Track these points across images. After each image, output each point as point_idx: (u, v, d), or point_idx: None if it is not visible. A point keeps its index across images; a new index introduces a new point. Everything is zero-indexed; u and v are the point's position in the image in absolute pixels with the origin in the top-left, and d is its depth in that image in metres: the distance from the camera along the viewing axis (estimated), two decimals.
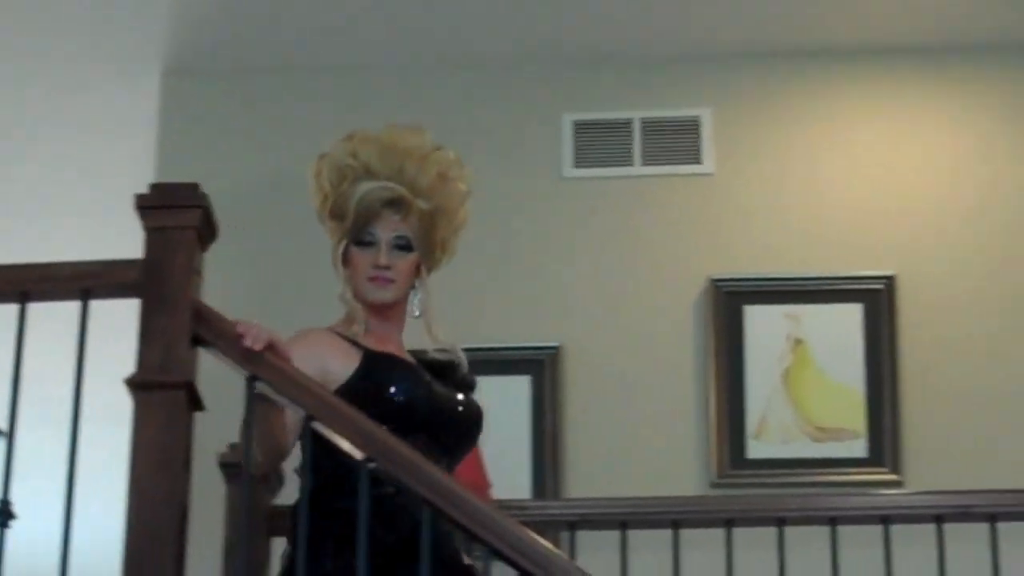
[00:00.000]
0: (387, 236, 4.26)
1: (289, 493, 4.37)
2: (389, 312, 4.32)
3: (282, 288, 6.52)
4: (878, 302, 6.42)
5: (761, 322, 6.45)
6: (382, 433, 3.78)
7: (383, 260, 4.24)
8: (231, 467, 4.58)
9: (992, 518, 4.92)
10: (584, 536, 5.10)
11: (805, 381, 6.39)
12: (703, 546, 5.03)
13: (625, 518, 5.08)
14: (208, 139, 6.81)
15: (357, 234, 4.27)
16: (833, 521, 4.96)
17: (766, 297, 6.47)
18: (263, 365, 3.96)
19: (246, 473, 4.16)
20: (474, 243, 6.47)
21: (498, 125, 6.80)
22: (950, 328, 6.43)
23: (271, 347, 3.81)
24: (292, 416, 3.92)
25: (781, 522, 4.97)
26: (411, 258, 4.29)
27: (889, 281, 6.43)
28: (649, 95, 6.77)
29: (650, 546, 5.03)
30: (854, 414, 6.31)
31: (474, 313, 6.45)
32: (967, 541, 4.97)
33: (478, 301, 6.51)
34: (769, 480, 6.17)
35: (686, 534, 5.02)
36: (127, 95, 7.09)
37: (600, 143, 6.74)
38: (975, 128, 6.72)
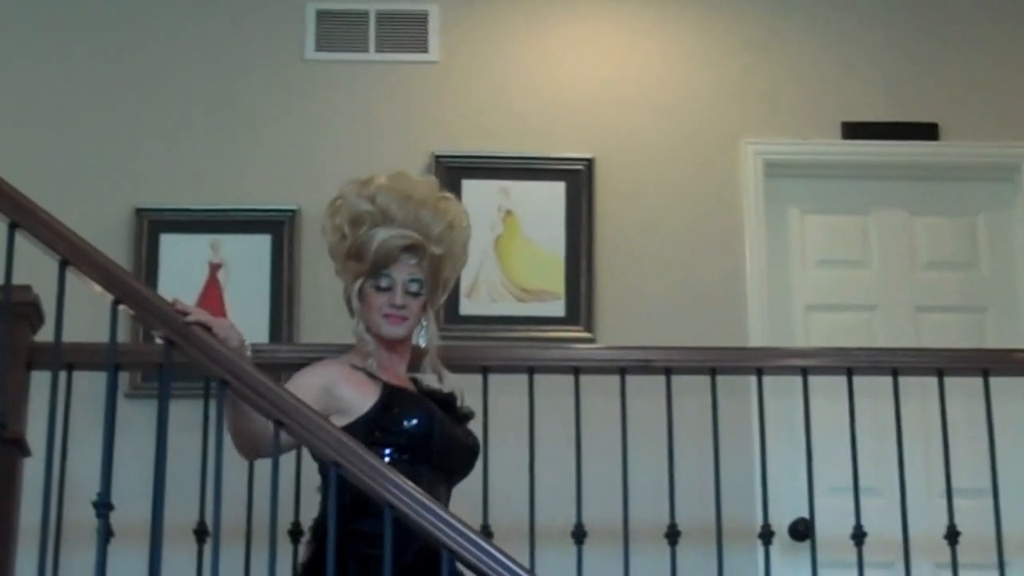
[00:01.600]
0: (403, 278, 4.37)
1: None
2: (398, 345, 4.41)
3: None
4: (579, 181, 6.56)
5: (477, 194, 6.49)
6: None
7: (399, 300, 4.35)
8: None
9: (668, 371, 5.08)
10: None
11: (513, 248, 6.53)
12: None
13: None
14: None
15: (375, 275, 4.35)
16: (531, 370, 5.07)
17: (482, 172, 6.57)
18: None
19: (7, 312, 4.21)
20: (222, 114, 6.65)
21: (248, 10, 6.82)
22: (640, 207, 6.63)
23: (201, 324, 3.92)
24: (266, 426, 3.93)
25: (485, 370, 5.05)
26: (422, 298, 4.40)
27: (589, 163, 6.59)
28: None
29: None
30: (554, 278, 6.48)
31: (224, 177, 6.55)
32: (647, 392, 5.09)
33: (228, 166, 6.60)
34: (478, 334, 6.28)
35: None
36: None
37: (339, 31, 6.76)
38: (677, 31, 6.88)
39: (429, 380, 4.48)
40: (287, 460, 4.31)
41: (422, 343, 4.45)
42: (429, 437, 4.21)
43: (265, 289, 6.46)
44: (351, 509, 3.91)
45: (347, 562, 3.88)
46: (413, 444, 4.16)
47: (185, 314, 3.93)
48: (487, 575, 3.68)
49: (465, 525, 3.74)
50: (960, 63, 6.81)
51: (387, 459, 4.08)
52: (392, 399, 4.22)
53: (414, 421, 4.20)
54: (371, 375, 4.28)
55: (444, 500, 4.26)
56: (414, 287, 4.35)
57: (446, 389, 4.47)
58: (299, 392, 4.01)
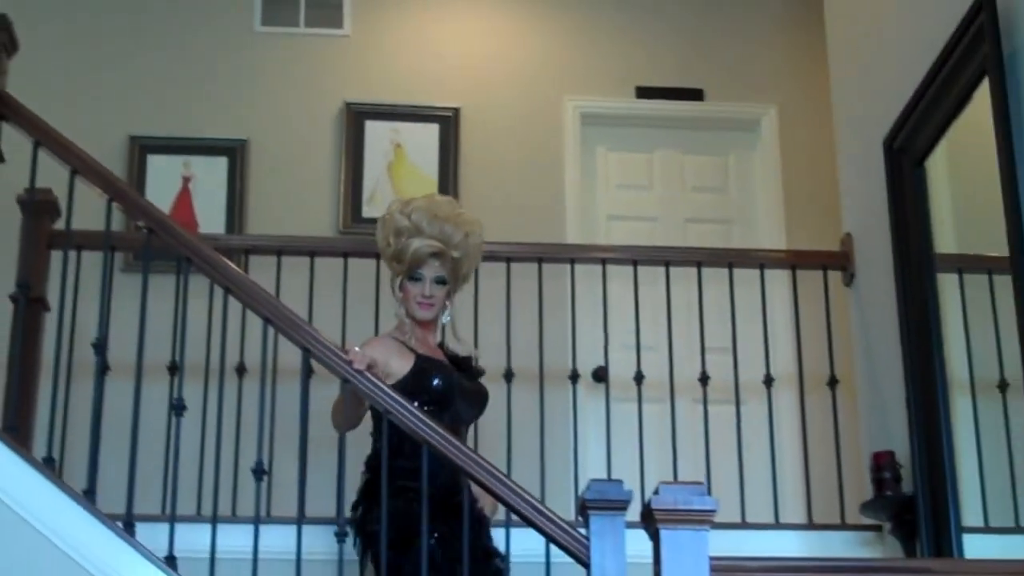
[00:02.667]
0: (431, 275, 4.28)
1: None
2: (428, 323, 4.34)
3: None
4: (449, 123, 6.50)
5: (376, 132, 6.46)
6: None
7: (428, 292, 4.28)
8: (24, 203, 4.55)
9: (508, 259, 5.09)
10: (254, 260, 5.27)
11: (400, 170, 6.44)
12: (332, 268, 5.16)
13: (280, 247, 5.18)
14: None
15: (410, 273, 4.28)
16: None
17: (379, 116, 6.49)
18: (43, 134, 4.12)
19: (31, 205, 4.28)
20: (196, 67, 6.58)
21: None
22: (492, 143, 6.56)
23: (369, 366, 3.86)
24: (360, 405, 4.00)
25: (378, 256, 4.83)
26: (445, 289, 4.32)
27: (456, 111, 6.52)
28: None
29: (297, 268, 5.13)
30: (430, 191, 6.09)
31: (195, 114, 6.46)
32: (494, 275, 5.23)
33: (199, 105, 6.49)
34: (373, 231, 6.18)
35: (321, 260, 5.17)
36: None
37: (278, 11, 6.65)
38: (523, 11, 6.79)
39: (453, 346, 4.43)
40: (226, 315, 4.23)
41: (445, 320, 4.38)
42: (450, 392, 4.19)
43: (223, 195, 6.38)
44: (392, 450, 3.85)
45: (390, 487, 3.82)
46: (438, 398, 4.15)
47: (350, 361, 3.87)
48: (496, 491, 3.67)
49: (477, 454, 3.74)
50: (720, 44, 6.84)
51: (418, 408, 4.05)
52: (423, 365, 4.20)
53: (437, 381, 4.17)
54: (409, 347, 4.25)
55: (463, 437, 4.26)
56: (439, 281, 4.31)
57: (463, 354, 4.42)
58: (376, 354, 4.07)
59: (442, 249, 4.27)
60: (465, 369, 4.37)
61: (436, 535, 3.86)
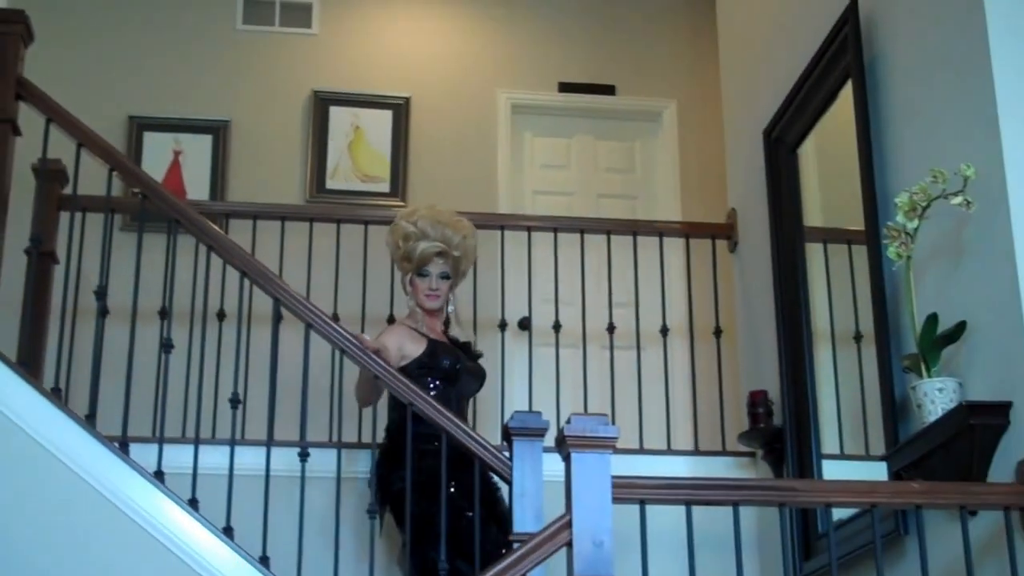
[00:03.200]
0: (436, 271, 4.31)
1: None
2: (435, 313, 4.35)
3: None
4: (400, 110, 6.43)
5: (338, 115, 6.39)
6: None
7: (434, 285, 4.31)
8: (37, 171, 4.48)
9: None
10: (233, 223, 5.19)
11: (359, 149, 6.37)
12: (300, 231, 5.07)
13: (256, 212, 5.10)
14: None
15: (418, 271, 4.31)
16: (366, 223, 5.09)
17: (342, 102, 6.40)
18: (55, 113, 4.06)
19: (43, 173, 4.22)
20: (191, 60, 6.49)
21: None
22: (437, 128, 6.48)
23: (375, 351, 3.89)
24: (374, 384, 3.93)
25: (340, 221, 5.08)
26: (448, 283, 4.33)
27: (407, 99, 6.46)
28: None
29: (270, 230, 5.04)
30: (383, 169, 6.35)
31: (186, 96, 6.34)
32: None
33: (189, 89, 6.37)
34: (335, 200, 6.14)
35: (290, 224, 5.06)
36: None
37: (257, 12, 6.58)
38: (465, 13, 6.72)
39: (456, 333, 4.44)
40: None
41: (450, 309, 4.41)
42: (456, 371, 4.21)
43: (207, 167, 6.29)
44: (414, 418, 3.82)
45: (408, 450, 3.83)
46: (446, 376, 4.17)
47: (361, 343, 3.90)
48: (437, 420, 3.74)
49: (421, 393, 3.80)
50: (630, 47, 6.81)
51: (431, 384, 4.13)
52: (434, 348, 4.22)
53: (447, 362, 4.20)
54: (421, 333, 4.28)
55: (465, 407, 4.34)
56: (443, 276, 4.33)
57: (463, 339, 4.44)
58: (385, 342, 4.15)
59: (444, 249, 4.29)
60: (466, 352, 4.38)
61: (454, 484, 3.88)
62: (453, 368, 4.19)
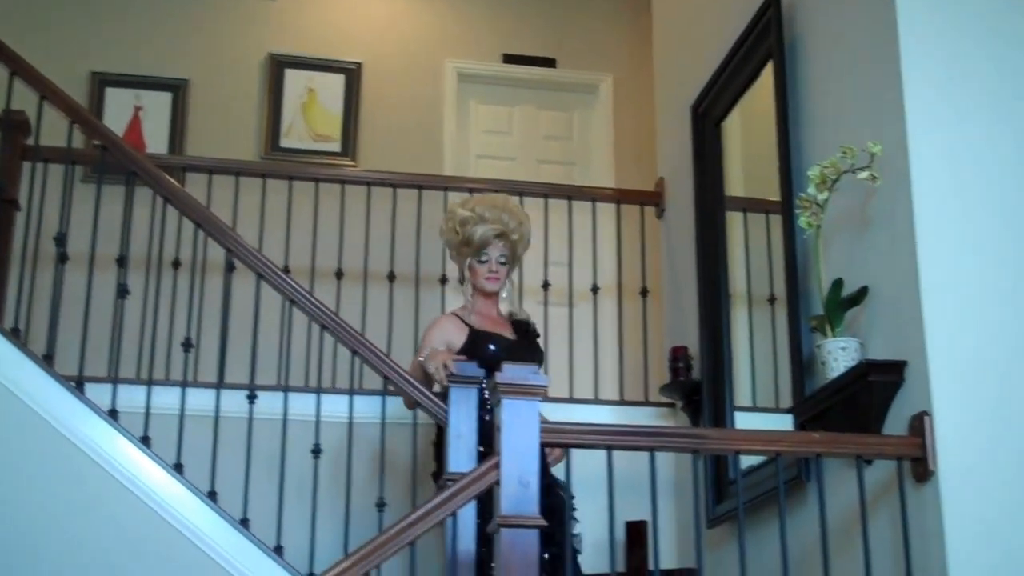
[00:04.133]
0: (495, 255, 4.15)
1: None
2: (493, 296, 4.19)
3: None
4: (352, 74, 6.37)
5: (293, 77, 6.31)
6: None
7: (494, 268, 4.15)
8: (1, 121, 4.40)
9: (394, 186, 5.05)
10: (190, 176, 5.18)
11: (313, 110, 6.30)
12: (253, 186, 5.02)
13: (212, 167, 5.05)
14: None
15: (478, 254, 4.14)
16: (317, 181, 5.07)
17: (296, 65, 6.31)
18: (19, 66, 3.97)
19: (7, 124, 4.12)
20: (149, 16, 6.38)
21: None
22: (388, 94, 6.42)
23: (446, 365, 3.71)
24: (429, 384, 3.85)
25: (292, 178, 5.05)
26: (507, 267, 4.19)
27: (359, 64, 6.41)
28: None
29: (225, 185, 4.99)
30: (335, 129, 6.29)
31: (147, 54, 6.23)
32: (384, 197, 5.16)
33: (151, 49, 6.26)
34: (290, 159, 6.05)
35: (245, 180, 5.00)
36: None
37: None
38: None
39: (517, 314, 4.27)
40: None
41: (504, 293, 4.24)
42: (498, 356, 3.91)
43: (166, 124, 6.20)
44: None
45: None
46: (490, 362, 3.84)
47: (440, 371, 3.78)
48: (378, 367, 3.76)
49: (365, 338, 3.81)
50: (571, 23, 6.80)
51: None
52: (476, 337, 4.08)
53: (491, 348, 4.02)
54: (467, 323, 4.14)
55: None
56: (502, 260, 4.19)
57: (521, 317, 4.27)
58: (432, 341, 4.04)
59: (504, 231, 4.16)
60: (524, 334, 4.23)
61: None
62: (495, 354, 3.97)
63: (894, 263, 3.11)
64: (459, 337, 4.08)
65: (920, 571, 2.84)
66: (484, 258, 4.17)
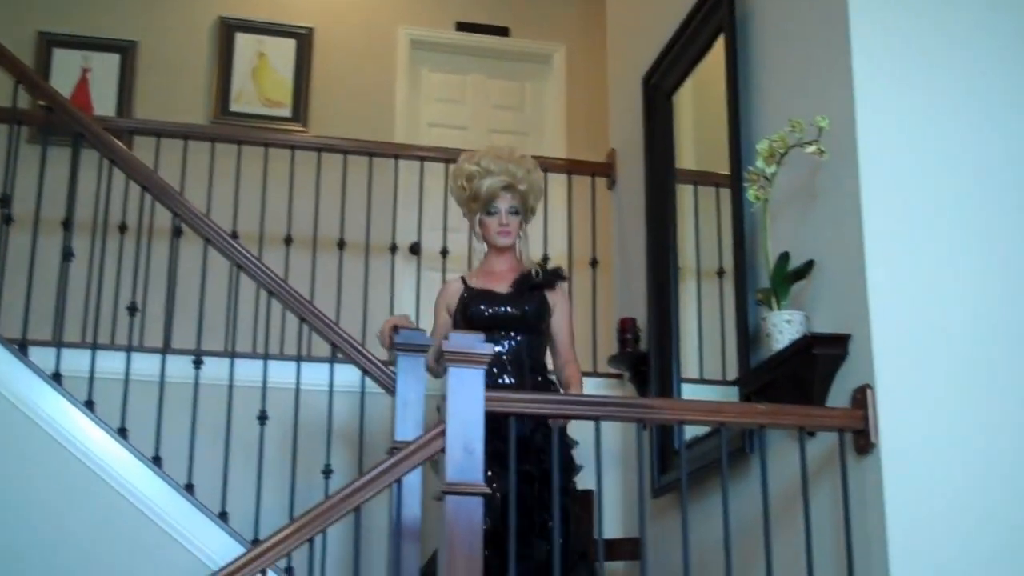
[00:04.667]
0: (505, 207, 4.05)
1: None
2: (505, 251, 4.09)
3: None
4: (304, 39, 6.34)
5: (244, 41, 6.27)
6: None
7: (504, 220, 4.05)
8: None
9: (344, 152, 4.97)
10: (138, 140, 5.13)
11: (263, 75, 6.27)
12: (202, 150, 4.96)
13: (159, 130, 4.97)
14: None
15: (487, 208, 4.04)
16: (266, 146, 4.99)
17: (247, 29, 6.27)
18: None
19: None
20: None
21: None
22: (340, 60, 6.39)
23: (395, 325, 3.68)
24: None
25: (241, 142, 4.97)
26: (518, 219, 4.09)
27: (311, 29, 6.38)
28: None
29: (173, 149, 4.90)
30: (286, 94, 6.27)
31: (95, 14, 6.16)
32: (333, 164, 5.08)
33: (99, 7, 6.21)
34: (240, 123, 6.02)
35: (193, 144, 4.95)
36: None
37: None
38: None
39: (528, 265, 4.17)
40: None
41: (519, 244, 4.16)
42: (483, 317, 3.93)
43: (114, 86, 6.14)
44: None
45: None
46: (482, 324, 3.85)
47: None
48: (326, 335, 3.80)
49: (313, 306, 3.84)
50: None
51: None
52: (469, 297, 4.01)
53: (481, 307, 3.96)
54: (466, 284, 4.08)
55: (539, 349, 4.06)
56: (513, 211, 4.09)
57: (527, 267, 4.16)
58: (438, 307, 4.08)
59: (511, 182, 4.06)
60: (522, 283, 4.09)
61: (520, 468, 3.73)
62: (482, 315, 3.94)
63: (840, 237, 3.12)
64: (456, 297, 4.07)
65: (860, 542, 2.87)
66: (493, 210, 4.08)
